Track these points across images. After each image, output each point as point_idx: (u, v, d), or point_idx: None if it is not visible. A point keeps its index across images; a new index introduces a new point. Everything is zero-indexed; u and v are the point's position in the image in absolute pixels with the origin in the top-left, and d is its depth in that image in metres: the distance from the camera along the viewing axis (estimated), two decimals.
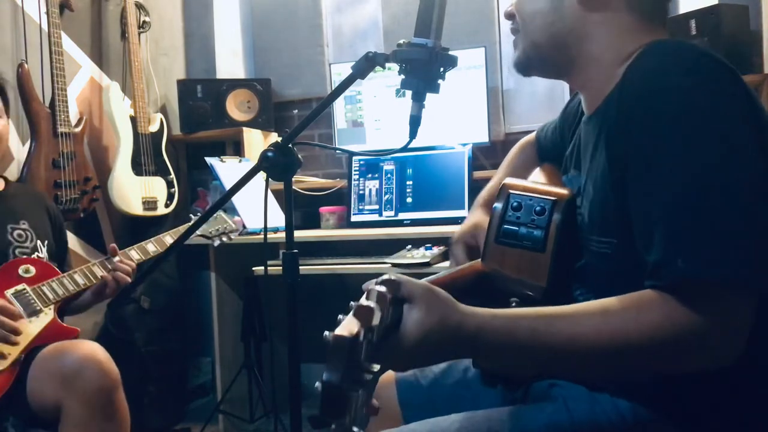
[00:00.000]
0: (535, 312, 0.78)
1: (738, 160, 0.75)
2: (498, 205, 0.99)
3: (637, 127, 0.79)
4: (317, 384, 0.61)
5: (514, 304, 0.89)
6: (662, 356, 0.75)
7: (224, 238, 2.08)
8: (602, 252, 0.87)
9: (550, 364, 0.79)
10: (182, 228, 2.02)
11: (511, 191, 0.99)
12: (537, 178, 1.15)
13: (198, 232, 1.99)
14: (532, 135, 1.31)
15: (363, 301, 0.65)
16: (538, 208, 0.95)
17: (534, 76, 1.02)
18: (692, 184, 0.74)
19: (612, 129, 0.84)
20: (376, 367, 0.67)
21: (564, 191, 0.98)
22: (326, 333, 0.62)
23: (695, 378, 0.79)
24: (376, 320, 0.64)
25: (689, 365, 0.76)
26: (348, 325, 0.63)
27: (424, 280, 0.79)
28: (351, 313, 0.64)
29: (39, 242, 1.86)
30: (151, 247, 1.94)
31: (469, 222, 1.20)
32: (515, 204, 0.97)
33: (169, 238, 1.96)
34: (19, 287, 1.72)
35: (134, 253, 1.90)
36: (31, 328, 1.68)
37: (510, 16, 1.00)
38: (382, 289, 0.67)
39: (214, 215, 2.03)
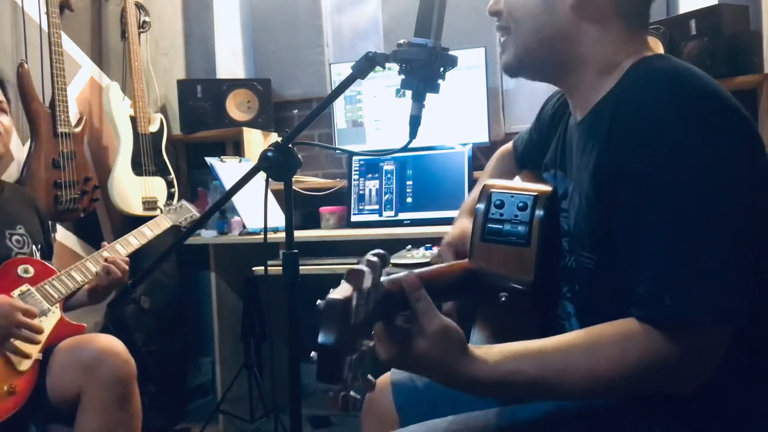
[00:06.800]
0: (532, 363, 0.80)
1: (728, 201, 0.77)
2: (481, 206, 1.01)
3: (629, 161, 0.80)
4: (312, 353, 0.62)
5: (503, 298, 0.91)
6: (644, 385, 0.80)
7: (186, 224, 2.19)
8: (584, 266, 0.90)
9: (541, 397, 0.87)
10: (159, 220, 2.11)
11: (492, 191, 1.00)
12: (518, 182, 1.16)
13: (170, 224, 2.13)
14: (510, 144, 1.32)
15: (354, 267, 0.67)
16: (520, 204, 0.97)
17: (524, 78, 1.02)
18: (681, 224, 0.77)
19: (602, 154, 0.85)
20: (370, 344, 0.68)
21: (545, 188, 0.99)
22: (319, 301, 0.64)
23: None
24: (367, 283, 0.66)
25: (665, 390, 0.81)
26: (340, 290, 0.65)
27: (415, 272, 0.81)
28: (343, 278, 0.66)
29: (34, 247, 1.87)
30: (133, 240, 1.99)
31: (456, 229, 1.21)
32: (498, 202, 0.99)
33: (147, 230, 2.04)
34: (24, 288, 1.72)
35: (120, 248, 1.93)
36: (43, 327, 1.70)
37: (496, 13, 0.99)
38: (374, 258, 0.70)
39: (179, 204, 2.23)
